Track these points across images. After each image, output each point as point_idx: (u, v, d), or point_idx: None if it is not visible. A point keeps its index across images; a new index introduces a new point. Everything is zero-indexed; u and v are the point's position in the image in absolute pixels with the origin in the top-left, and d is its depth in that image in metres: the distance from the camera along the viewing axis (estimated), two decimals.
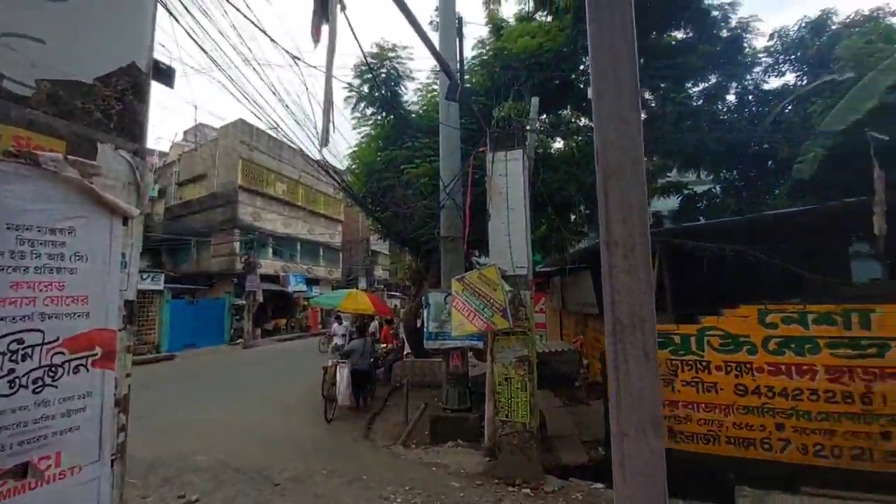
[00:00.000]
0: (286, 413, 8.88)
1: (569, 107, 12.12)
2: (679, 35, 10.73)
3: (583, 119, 12.53)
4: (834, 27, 9.32)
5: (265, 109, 27.63)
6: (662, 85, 10.11)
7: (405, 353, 12.46)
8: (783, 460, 5.33)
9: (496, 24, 11.96)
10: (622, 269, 1.03)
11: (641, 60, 10.18)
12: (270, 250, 24.45)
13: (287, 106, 8.69)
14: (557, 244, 11.54)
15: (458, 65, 7.38)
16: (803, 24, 9.62)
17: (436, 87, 10.29)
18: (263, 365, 15.13)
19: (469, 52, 11.87)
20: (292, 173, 25.64)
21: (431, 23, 12.70)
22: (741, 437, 5.52)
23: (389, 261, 32.59)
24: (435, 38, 8.53)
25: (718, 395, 5.63)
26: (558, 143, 13.27)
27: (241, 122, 22.84)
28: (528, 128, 7.75)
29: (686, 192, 10.86)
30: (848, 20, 9.33)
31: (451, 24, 8.47)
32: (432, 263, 10.13)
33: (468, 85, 11.69)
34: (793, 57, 9.79)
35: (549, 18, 11.55)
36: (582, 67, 11.45)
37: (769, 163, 9.54)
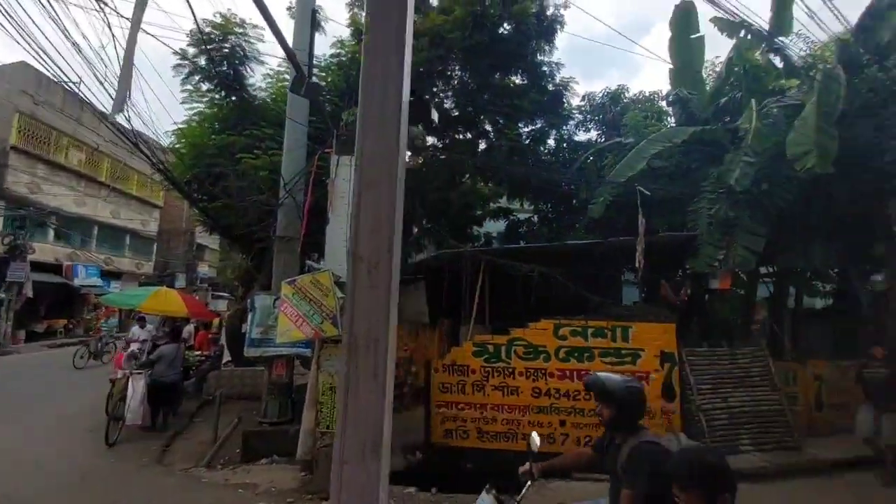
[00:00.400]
0: (47, 437, 7.10)
1: (420, 125, 12.68)
2: (517, 80, 12.22)
3: (432, 138, 13.25)
4: (626, 100, 11.77)
5: (55, 59, 22.02)
6: (500, 121, 11.35)
7: (224, 361, 11.18)
8: (564, 452, 6.34)
9: (358, 29, 11.88)
10: (365, 284, 1.07)
11: (485, 96, 11.37)
12: (52, 232, 19.52)
13: (81, 50, 7.06)
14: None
15: (308, 57, 7.07)
16: (605, 94, 11.95)
17: (288, 76, 9.68)
18: (21, 376, 11.86)
19: (328, 50, 11.52)
20: (97, 142, 20.98)
21: (290, 9, 11.96)
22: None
23: (219, 258, 29.07)
24: (291, 25, 8.07)
25: (519, 397, 6.44)
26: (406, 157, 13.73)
27: (25, 66, 17.87)
28: None
29: (512, 217, 12.30)
30: (635, 97, 11.89)
31: (308, 13, 8.11)
32: (265, 264, 9.37)
33: (322, 82, 11.30)
34: (597, 118, 12.03)
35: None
36: (435, 89, 12.15)
37: (574, 201, 11.44)
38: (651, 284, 8.34)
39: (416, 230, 12.62)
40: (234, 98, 9.81)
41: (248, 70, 10.24)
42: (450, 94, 12.63)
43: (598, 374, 2.31)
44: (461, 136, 13.11)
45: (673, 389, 6.32)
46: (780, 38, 7.69)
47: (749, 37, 8.02)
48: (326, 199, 6.27)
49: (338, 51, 11.26)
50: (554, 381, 6.48)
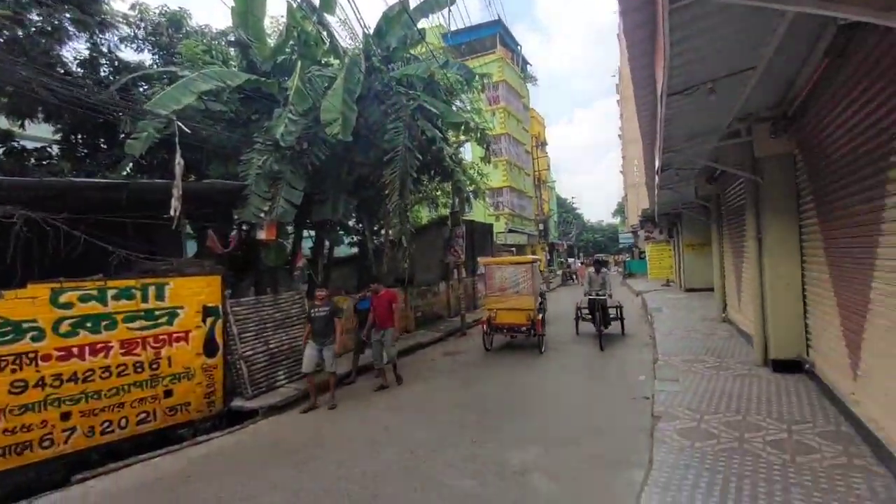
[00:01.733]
0: None
1: None
2: None
3: None
4: (189, 28, 10.21)
5: None
6: None
7: None
8: (68, 451, 4.94)
9: None
10: None
11: None
12: None
13: None
14: None
15: None
16: (163, 12, 9.92)
17: None
18: None
19: None
20: None
21: None
22: (16, 444, 4.63)
23: None
24: None
25: None
26: None
27: None
28: None
29: (12, 145, 8.52)
30: (201, 27, 10.52)
31: None
32: None
33: None
34: (153, 39, 9.87)
35: None
36: None
37: (122, 134, 9.14)
38: (202, 235, 7.73)
39: None
40: None
41: None
42: None
43: None
44: None
45: (215, 344, 6.09)
46: (327, 16, 8.52)
47: (304, 4, 8.47)
48: None
49: None
50: (52, 366, 4.88)
